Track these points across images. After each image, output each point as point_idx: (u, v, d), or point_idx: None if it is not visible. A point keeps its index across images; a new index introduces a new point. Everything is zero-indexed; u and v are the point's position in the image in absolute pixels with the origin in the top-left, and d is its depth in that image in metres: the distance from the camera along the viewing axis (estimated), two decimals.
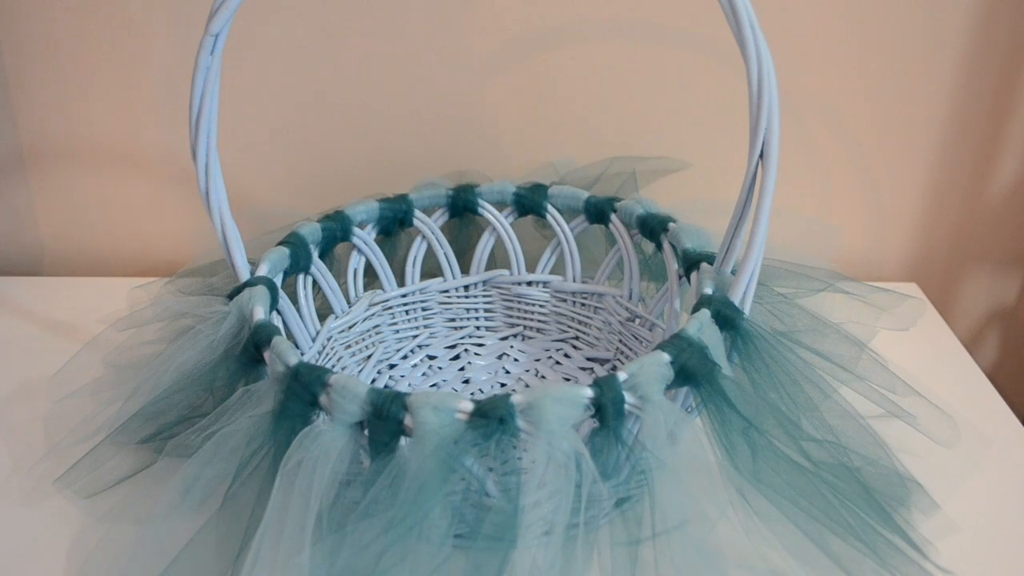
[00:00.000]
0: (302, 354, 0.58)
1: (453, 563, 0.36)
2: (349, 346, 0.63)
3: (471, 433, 0.37)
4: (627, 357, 0.62)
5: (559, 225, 0.65)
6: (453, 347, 0.67)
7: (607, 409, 0.39)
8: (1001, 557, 0.46)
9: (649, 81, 0.71)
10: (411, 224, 0.65)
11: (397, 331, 0.66)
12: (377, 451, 0.39)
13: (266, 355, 0.44)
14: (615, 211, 0.62)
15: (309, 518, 0.37)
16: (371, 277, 0.65)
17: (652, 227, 0.59)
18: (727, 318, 0.44)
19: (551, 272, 0.67)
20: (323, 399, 0.40)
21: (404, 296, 0.66)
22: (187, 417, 0.46)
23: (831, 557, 0.38)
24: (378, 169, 0.74)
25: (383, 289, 0.65)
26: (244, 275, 0.51)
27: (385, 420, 0.38)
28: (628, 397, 0.39)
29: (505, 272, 0.67)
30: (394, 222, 0.64)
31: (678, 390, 0.43)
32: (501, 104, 0.72)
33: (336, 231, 0.61)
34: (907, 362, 0.50)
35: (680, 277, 0.55)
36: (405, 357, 0.65)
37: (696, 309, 0.45)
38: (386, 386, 0.62)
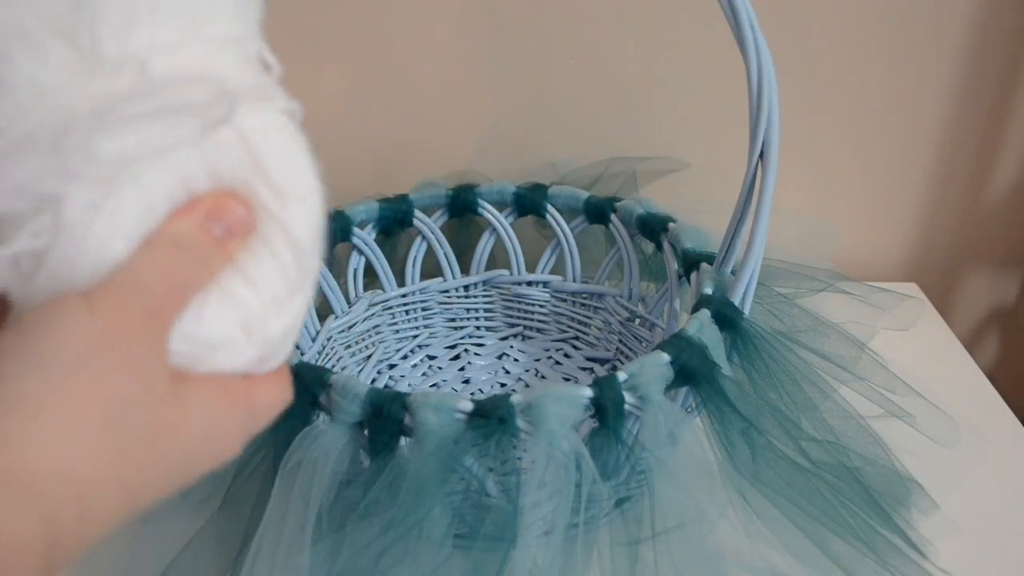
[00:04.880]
0: (302, 354, 0.58)
1: (453, 563, 0.36)
2: (349, 346, 0.63)
3: (471, 433, 0.37)
4: (627, 357, 0.62)
5: (559, 225, 0.65)
6: (453, 347, 0.67)
7: (607, 409, 0.39)
8: (1001, 557, 0.46)
9: (649, 81, 0.71)
10: (411, 224, 0.65)
11: (397, 331, 0.66)
12: (377, 451, 0.39)
13: None
14: (615, 211, 0.62)
15: (309, 518, 0.37)
16: (371, 277, 0.65)
17: (652, 227, 0.59)
18: (727, 318, 0.44)
19: (551, 272, 0.67)
20: (323, 399, 0.40)
21: (404, 296, 0.66)
22: None
23: (831, 557, 0.38)
24: (378, 169, 0.74)
25: (383, 289, 0.65)
26: None
27: (385, 420, 0.38)
28: (628, 397, 0.39)
29: (505, 272, 0.67)
30: (394, 222, 0.64)
31: (678, 390, 0.43)
32: (501, 104, 0.72)
33: (336, 231, 0.61)
34: (907, 362, 0.50)
35: (680, 277, 0.55)
36: (405, 357, 0.65)
37: (696, 309, 0.45)
38: (386, 386, 0.62)
